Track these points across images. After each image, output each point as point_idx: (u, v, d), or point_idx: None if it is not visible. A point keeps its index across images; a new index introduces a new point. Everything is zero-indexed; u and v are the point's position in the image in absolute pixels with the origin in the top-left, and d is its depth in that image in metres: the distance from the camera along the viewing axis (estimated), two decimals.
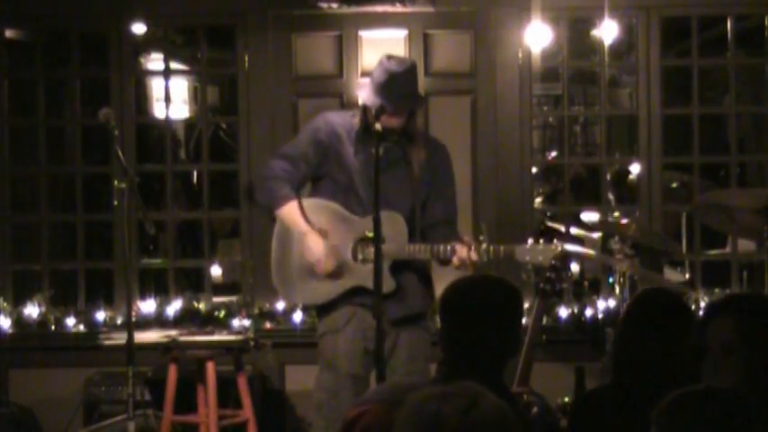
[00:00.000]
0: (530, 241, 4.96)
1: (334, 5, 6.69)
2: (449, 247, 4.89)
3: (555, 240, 5.07)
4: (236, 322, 6.65)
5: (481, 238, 4.95)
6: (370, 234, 4.64)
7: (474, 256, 4.86)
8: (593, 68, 8.38)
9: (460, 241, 4.95)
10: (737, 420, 2.31)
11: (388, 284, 4.82)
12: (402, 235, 4.93)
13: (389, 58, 5.06)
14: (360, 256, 5.03)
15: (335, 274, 5.01)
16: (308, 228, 5.03)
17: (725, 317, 3.08)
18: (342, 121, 5.11)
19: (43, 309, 6.80)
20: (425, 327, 5.18)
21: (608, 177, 7.58)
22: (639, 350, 3.49)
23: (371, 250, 4.95)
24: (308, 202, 5.11)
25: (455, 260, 4.88)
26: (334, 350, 5.02)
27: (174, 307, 6.77)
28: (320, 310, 5.13)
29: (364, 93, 5.00)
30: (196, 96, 9.13)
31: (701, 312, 6.30)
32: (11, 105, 7.00)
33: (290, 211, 5.07)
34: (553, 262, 4.99)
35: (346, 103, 6.61)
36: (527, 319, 5.58)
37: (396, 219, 4.89)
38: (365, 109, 5.01)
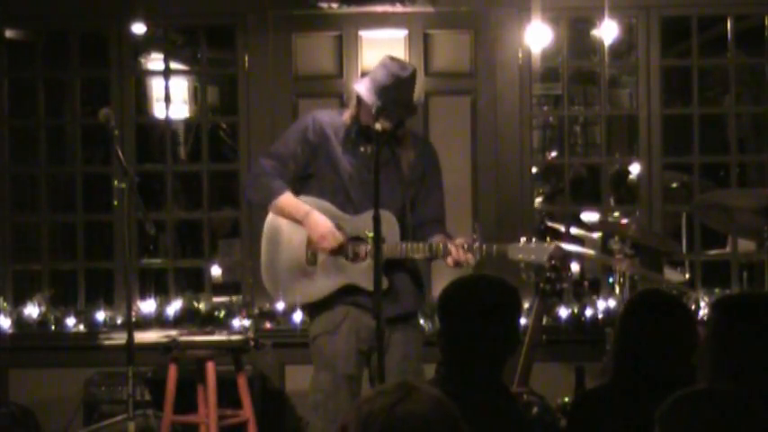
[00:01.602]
0: (522, 239, 4.95)
1: (334, 5, 6.69)
2: (442, 247, 4.88)
3: (549, 238, 5.06)
4: (236, 322, 6.65)
5: (474, 236, 4.95)
6: (370, 234, 4.63)
7: (469, 257, 4.85)
8: (594, 68, 8.38)
9: (450, 239, 4.95)
10: (739, 420, 2.31)
11: (382, 283, 4.81)
12: (394, 234, 4.93)
13: (392, 59, 5.06)
14: (351, 255, 5.03)
15: (339, 251, 5.00)
16: (309, 208, 5.02)
17: (711, 315, 3.13)
18: (330, 121, 5.10)
19: (43, 309, 6.80)
20: (417, 326, 5.18)
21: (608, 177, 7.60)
22: (637, 350, 3.49)
23: (363, 249, 4.96)
24: (300, 200, 5.11)
25: (449, 260, 4.87)
26: (331, 351, 5.01)
27: (174, 307, 6.77)
28: (313, 311, 5.13)
29: (363, 89, 4.96)
30: (196, 96, 9.12)
31: (700, 312, 6.32)
32: (11, 105, 7.01)
33: (286, 200, 5.06)
34: (553, 262, 4.99)
35: (346, 103, 6.61)
36: (527, 319, 5.59)
37: (388, 218, 4.88)
38: (359, 105, 4.99)
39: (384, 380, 4.56)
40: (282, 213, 5.09)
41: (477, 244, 4.89)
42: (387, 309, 4.82)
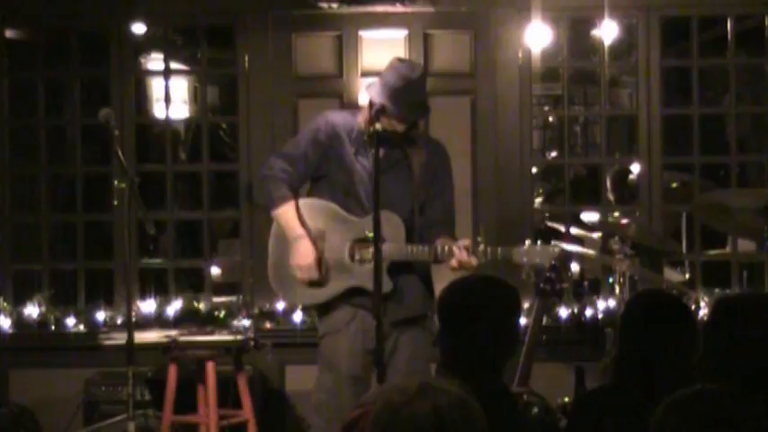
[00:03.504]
0: (527, 243, 4.94)
1: (334, 5, 6.69)
2: (446, 249, 4.87)
3: (553, 241, 5.06)
4: (236, 322, 6.65)
5: (479, 239, 4.95)
6: (370, 234, 4.63)
7: (473, 260, 4.84)
8: (594, 68, 8.38)
9: (455, 241, 4.94)
10: (737, 421, 2.31)
11: (386, 285, 4.80)
12: (400, 236, 4.92)
13: (401, 61, 5.05)
14: (357, 257, 5.02)
15: (316, 283, 5.00)
16: (303, 232, 5.01)
17: (709, 316, 3.14)
18: (343, 122, 5.09)
19: (43, 309, 6.80)
20: (426, 327, 5.17)
21: (608, 178, 7.60)
22: (638, 351, 3.49)
23: (368, 251, 4.94)
24: (306, 202, 5.10)
25: (453, 263, 4.85)
26: (335, 351, 5.01)
27: (174, 307, 6.77)
28: (320, 311, 5.13)
29: (374, 92, 4.92)
30: (196, 96, 9.13)
31: (700, 312, 6.32)
32: (11, 105, 7.01)
33: (285, 213, 5.04)
34: (553, 262, 4.99)
35: (346, 103, 6.62)
36: (527, 319, 5.59)
37: (393, 219, 4.88)
38: (372, 108, 4.96)
39: (384, 381, 4.56)
40: (281, 225, 5.10)
41: (482, 247, 4.88)
42: (393, 311, 4.83)
